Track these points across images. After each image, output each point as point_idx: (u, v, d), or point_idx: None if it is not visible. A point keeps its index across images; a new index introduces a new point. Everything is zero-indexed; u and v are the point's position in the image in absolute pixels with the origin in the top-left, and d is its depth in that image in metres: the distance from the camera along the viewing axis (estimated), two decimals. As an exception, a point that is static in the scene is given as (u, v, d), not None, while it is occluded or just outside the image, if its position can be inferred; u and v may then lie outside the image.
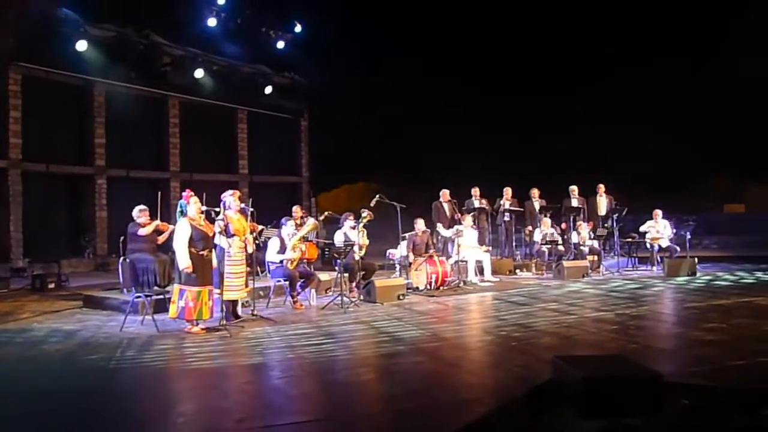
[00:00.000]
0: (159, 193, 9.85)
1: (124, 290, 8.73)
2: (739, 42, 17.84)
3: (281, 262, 9.10)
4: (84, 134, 15.28)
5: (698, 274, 12.06)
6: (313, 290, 9.60)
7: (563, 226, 13.78)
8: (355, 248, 9.83)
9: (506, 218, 13.96)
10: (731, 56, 18.21)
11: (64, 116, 15.00)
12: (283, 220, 9.61)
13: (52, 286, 10.97)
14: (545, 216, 13.31)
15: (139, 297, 7.97)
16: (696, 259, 12.47)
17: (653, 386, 4.10)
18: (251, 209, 8.28)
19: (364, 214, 10.16)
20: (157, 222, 9.23)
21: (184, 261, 7.14)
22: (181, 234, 7.25)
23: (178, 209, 8.16)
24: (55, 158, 14.59)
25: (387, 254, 12.38)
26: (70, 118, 15.16)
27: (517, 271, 13.25)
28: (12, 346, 6.82)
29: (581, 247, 13.06)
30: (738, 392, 4.40)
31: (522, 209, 14.13)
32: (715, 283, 11.20)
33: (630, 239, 13.77)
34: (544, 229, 13.12)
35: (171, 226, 9.05)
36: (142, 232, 9.01)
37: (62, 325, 7.93)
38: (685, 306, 8.80)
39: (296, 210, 10.95)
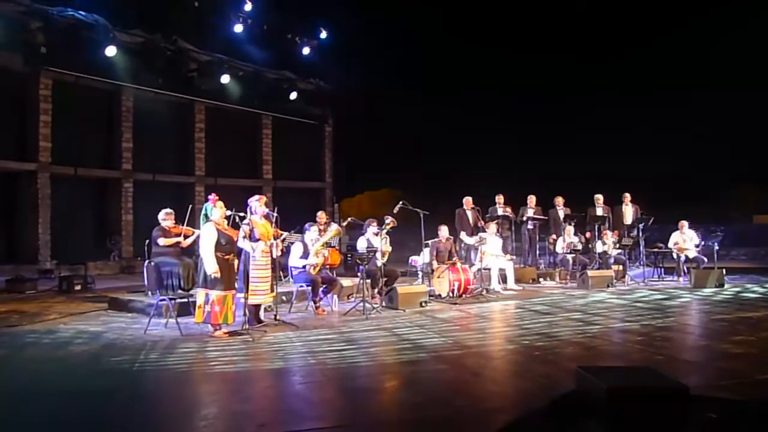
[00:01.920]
0: (190, 206, 9.92)
1: (149, 293, 8.82)
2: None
3: (304, 267, 9.12)
4: (112, 138, 15.54)
5: (726, 286, 11.86)
6: (335, 296, 9.61)
7: (588, 234, 13.65)
8: (378, 254, 9.83)
9: (530, 226, 13.86)
10: (759, 63, 17.97)
11: (92, 121, 15.26)
12: (306, 225, 9.64)
13: (78, 287, 11.12)
14: (569, 224, 13.20)
15: (164, 300, 8.03)
16: (724, 270, 12.25)
17: (679, 399, 4.02)
18: (276, 214, 8.31)
19: (387, 221, 10.15)
20: (179, 239, 9.28)
21: (211, 265, 7.16)
22: (207, 238, 7.27)
23: (203, 212, 8.23)
24: (84, 162, 14.83)
25: (410, 261, 12.37)
26: (99, 122, 15.41)
27: (541, 279, 13.15)
28: (39, 347, 6.92)
29: (606, 257, 12.92)
30: (766, 407, 4.31)
31: (546, 217, 14.02)
32: (744, 294, 11.00)
33: (656, 249, 13.60)
34: (568, 238, 13.01)
35: (196, 231, 9.12)
36: (161, 242, 9.08)
37: (88, 327, 8.02)
38: (712, 318, 8.65)
39: (320, 215, 10.99)
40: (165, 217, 9.34)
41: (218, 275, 7.15)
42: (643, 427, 3.94)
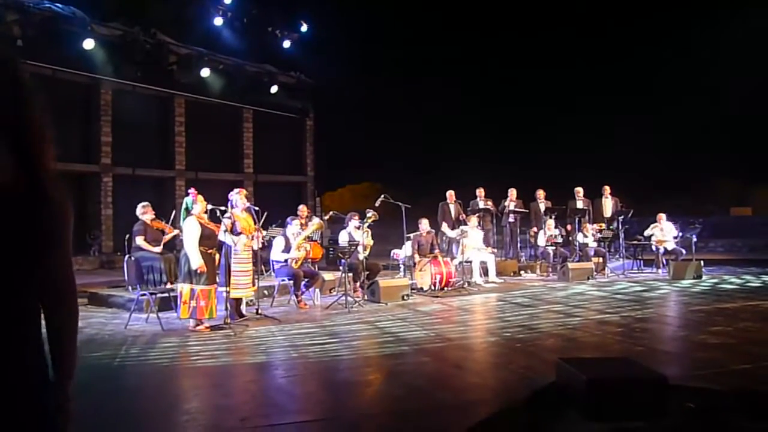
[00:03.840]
0: (173, 212, 9.86)
1: (129, 288, 8.75)
2: (749, 45, 17.80)
3: (286, 261, 9.10)
4: (90, 132, 15.32)
5: (704, 277, 12.02)
6: (317, 290, 9.60)
7: (568, 227, 13.76)
8: (360, 248, 9.83)
9: (511, 219, 13.94)
10: (740, 59, 18.17)
11: (70, 115, 15.01)
12: (288, 219, 9.62)
13: (57, 283, 10.96)
14: (550, 217, 13.29)
15: (144, 295, 7.98)
16: (702, 262, 12.41)
17: (658, 389, 4.08)
18: (257, 208, 8.27)
19: (369, 214, 10.15)
20: (165, 239, 9.24)
21: (196, 260, 7.11)
22: (191, 233, 7.22)
23: (183, 206, 8.17)
24: (62, 156, 14.45)
25: (391, 254, 12.38)
26: (77, 116, 15.17)
27: (522, 272, 13.24)
28: (17, 343, 6.83)
29: (586, 249, 13.04)
30: (744, 396, 4.38)
31: (527, 210, 14.10)
32: (721, 286, 11.15)
33: (635, 241, 13.74)
34: (549, 231, 13.10)
35: (175, 230, 9.10)
36: (141, 244, 8.99)
37: (67, 323, 7.92)
38: (690, 309, 8.76)
39: (302, 209, 10.96)
40: (143, 211, 9.25)
41: (204, 270, 7.12)
42: (622, 417, 3.99)
